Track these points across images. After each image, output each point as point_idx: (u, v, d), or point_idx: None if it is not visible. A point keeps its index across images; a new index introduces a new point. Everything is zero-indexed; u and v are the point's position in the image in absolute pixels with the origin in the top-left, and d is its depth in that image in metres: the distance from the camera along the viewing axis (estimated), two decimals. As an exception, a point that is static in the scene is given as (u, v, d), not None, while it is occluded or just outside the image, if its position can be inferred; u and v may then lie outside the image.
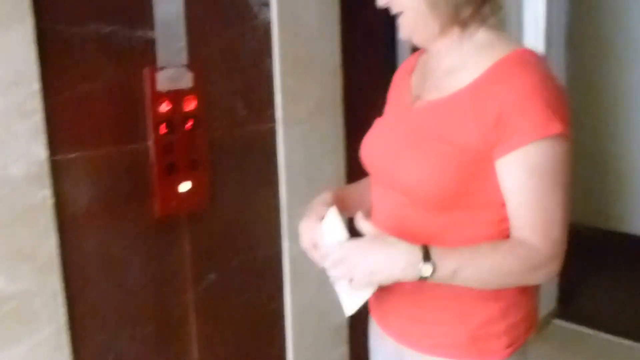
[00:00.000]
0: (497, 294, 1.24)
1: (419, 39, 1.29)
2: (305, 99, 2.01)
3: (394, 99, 1.44)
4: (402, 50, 2.45)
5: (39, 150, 1.45)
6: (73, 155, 1.52)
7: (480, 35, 1.24)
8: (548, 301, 3.39)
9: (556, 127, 1.14)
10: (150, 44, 1.64)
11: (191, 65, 1.71)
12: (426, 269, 1.13)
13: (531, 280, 1.22)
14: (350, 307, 1.25)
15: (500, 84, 1.16)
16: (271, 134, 1.94)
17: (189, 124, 1.71)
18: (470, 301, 1.26)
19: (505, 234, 1.22)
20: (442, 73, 1.28)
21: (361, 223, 1.21)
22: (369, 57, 2.31)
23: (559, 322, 3.46)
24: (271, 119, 1.94)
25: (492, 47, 1.22)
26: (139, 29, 1.62)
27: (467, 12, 1.22)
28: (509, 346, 1.27)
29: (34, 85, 1.43)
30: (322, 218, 1.29)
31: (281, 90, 1.94)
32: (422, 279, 1.14)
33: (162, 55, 1.66)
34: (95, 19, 1.54)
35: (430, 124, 1.24)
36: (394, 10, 1.27)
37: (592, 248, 4.38)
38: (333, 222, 1.27)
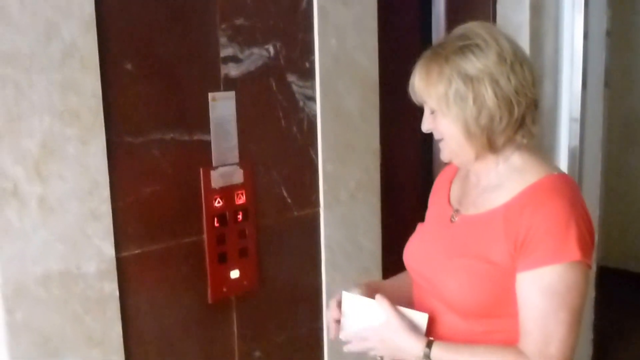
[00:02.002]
0: None
1: (458, 162, 1.44)
2: (346, 182, 2.15)
3: (435, 206, 1.57)
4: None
5: (108, 249, 1.62)
6: (137, 252, 1.69)
7: (516, 159, 1.36)
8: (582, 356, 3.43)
9: (573, 255, 1.24)
10: (206, 145, 1.80)
11: (242, 162, 1.87)
12: None
13: None
14: None
15: (529, 208, 1.27)
16: (315, 217, 2.09)
17: (239, 216, 1.87)
18: None
19: None
20: (480, 191, 1.41)
21: (380, 302, 1.39)
22: (406, 137, 2.45)
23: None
24: (315, 204, 2.08)
25: (526, 171, 1.34)
26: (196, 134, 1.78)
27: (500, 141, 1.33)
28: None
29: (105, 192, 1.61)
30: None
31: (324, 176, 2.08)
32: None
33: (216, 156, 1.82)
34: (159, 129, 1.71)
35: (467, 240, 1.37)
36: (436, 136, 1.40)
37: (628, 294, 4.36)
38: (350, 302, 1.44)
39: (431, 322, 1.42)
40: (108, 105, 1.60)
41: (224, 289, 1.85)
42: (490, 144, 1.33)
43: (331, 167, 2.10)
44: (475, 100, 1.29)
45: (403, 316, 1.38)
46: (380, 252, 2.27)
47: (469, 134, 1.32)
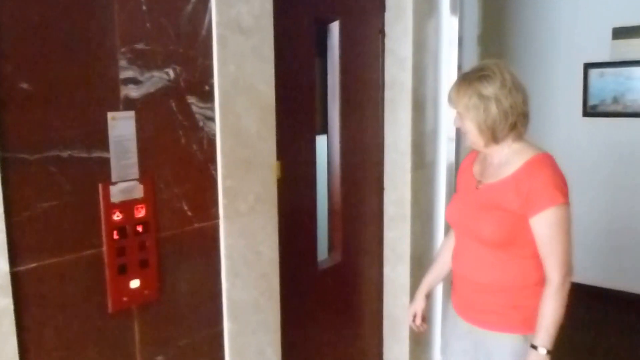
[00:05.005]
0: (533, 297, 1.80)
1: (475, 147, 1.90)
2: (245, 196, 2.02)
3: (463, 181, 2.01)
4: (334, 149, 2.49)
5: (2, 264, 1.43)
6: (33, 265, 1.50)
7: (516, 146, 1.84)
8: None
9: (560, 200, 1.71)
10: (106, 162, 1.64)
11: (142, 178, 1.71)
12: (542, 351, 1.75)
13: (566, 298, 1.75)
14: None
15: (528, 175, 1.75)
16: (215, 228, 1.94)
17: (139, 229, 1.70)
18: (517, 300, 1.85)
19: (538, 260, 1.78)
20: (494, 167, 1.87)
21: None
22: (300, 153, 2.34)
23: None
24: (215, 216, 1.94)
25: (524, 153, 1.82)
26: (95, 151, 1.61)
27: (500, 136, 1.82)
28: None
29: (-2, 208, 1.42)
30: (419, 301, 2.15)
31: (223, 190, 1.94)
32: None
33: (115, 172, 1.66)
34: (56, 146, 1.53)
35: (490, 198, 1.82)
36: (462, 131, 1.88)
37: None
38: None
39: (470, 255, 1.88)
40: (2, 122, 1.42)
41: (125, 299, 1.67)
42: (493, 138, 1.81)
43: (230, 182, 1.96)
44: (484, 110, 1.77)
45: None
46: (277, 258, 2.15)
47: (480, 130, 1.81)
